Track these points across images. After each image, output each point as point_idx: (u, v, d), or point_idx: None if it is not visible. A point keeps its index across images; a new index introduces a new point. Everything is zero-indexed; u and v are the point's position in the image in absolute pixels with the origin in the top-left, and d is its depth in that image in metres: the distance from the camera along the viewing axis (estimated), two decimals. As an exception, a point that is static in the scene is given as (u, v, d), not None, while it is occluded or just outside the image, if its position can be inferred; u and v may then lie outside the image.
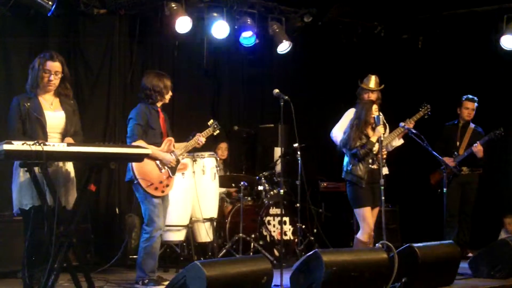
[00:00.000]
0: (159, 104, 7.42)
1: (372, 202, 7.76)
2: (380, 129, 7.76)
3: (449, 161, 9.45)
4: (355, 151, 7.73)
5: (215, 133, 8.12)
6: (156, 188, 7.16)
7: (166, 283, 7.11)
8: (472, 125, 9.74)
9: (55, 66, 6.29)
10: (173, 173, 7.36)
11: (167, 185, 7.28)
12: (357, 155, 7.71)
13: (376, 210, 7.85)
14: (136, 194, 7.31)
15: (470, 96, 9.74)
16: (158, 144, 7.25)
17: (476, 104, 9.71)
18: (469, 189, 9.67)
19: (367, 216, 7.69)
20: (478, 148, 9.39)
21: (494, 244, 8.11)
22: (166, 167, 7.28)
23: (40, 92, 6.31)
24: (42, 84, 6.28)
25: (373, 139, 7.73)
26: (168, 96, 7.47)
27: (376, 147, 7.73)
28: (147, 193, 7.12)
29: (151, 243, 7.13)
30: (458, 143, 9.67)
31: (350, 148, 7.76)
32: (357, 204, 7.76)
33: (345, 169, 7.90)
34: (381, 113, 8.86)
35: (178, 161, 7.46)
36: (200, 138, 7.77)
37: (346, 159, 7.93)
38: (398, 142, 8.69)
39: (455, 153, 9.59)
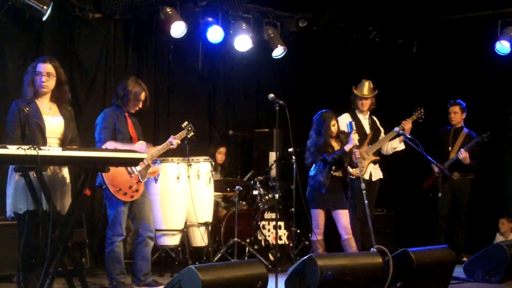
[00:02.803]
0: (124, 110, 7.41)
1: (329, 205, 8.00)
2: (354, 136, 7.85)
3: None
4: (324, 157, 7.85)
5: (189, 136, 8.03)
6: (125, 194, 7.18)
7: (162, 287, 7.17)
8: (465, 130, 9.72)
9: (46, 67, 6.30)
10: (143, 178, 7.37)
11: (137, 190, 7.28)
12: (326, 161, 7.85)
13: (342, 213, 8.00)
14: (104, 199, 7.37)
15: (453, 101, 9.74)
16: None
17: (459, 107, 9.65)
18: (461, 194, 9.63)
19: (319, 217, 8.00)
20: (463, 155, 9.33)
21: (489, 248, 8.10)
22: (136, 172, 7.29)
23: (37, 97, 6.31)
24: (35, 87, 6.28)
25: (347, 148, 7.86)
26: (131, 106, 7.39)
27: (354, 156, 7.86)
28: (116, 198, 7.14)
29: (113, 248, 7.21)
30: (450, 148, 9.65)
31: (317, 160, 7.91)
32: (312, 205, 8.08)
33: (309, 173, 8.13)
34: (374, 117, 8.93)
35: (148, 166, 7.48)
36: (173, 141, 7.75)
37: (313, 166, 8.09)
38: (399, 146, 8.72)
39: (447, 157, 9.56)
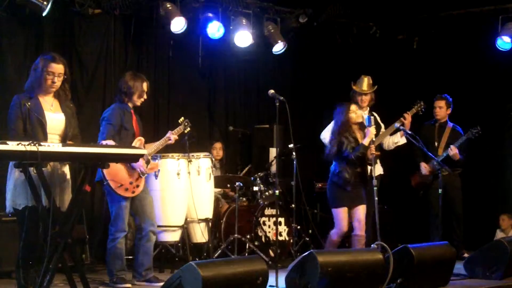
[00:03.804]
0: (130, 105, 7.44)
1: (352, 202, 7.84)
2: (372, 130, 7.78)
3: (424, 166, 9.44)
4: (346, 155, 7.73)
5: (186, 131, 8.04)
6: (126, 189, 7.19)
7: (161, 284, 7.17)
8: (450, 124, 9.63)
9: (58, 68, 6.29)
10: (143, 173, 7.38)
11: (137, 186, 7.29)
12: (348, 159, 7.72)
13: (362, 208, 7.89)
14: (106, 195, 7.39)
15: (439, 95, 9.68)
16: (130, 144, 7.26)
17: (445, 101, 9.57)
18: (452, 190, 9.50)
19: (343, 217, 7.80)
20: (453, 152, 9.26)
21: (490, 245, 8.10)
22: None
23: (40, 93, 6.30)
24: (45, 86, 6.28)
25: (366, 141, 7.74)
26: (137, 98, 7.41)
27: (369, 151, 7.76)
28: (117, 194, 7.16)
29: (115, 244, 7.23)
30: (436, 144, 9.59)
31: (341, 151, 7.76)
32: (335, 205, 7.88)
33: (332, 170, 7.97)
34: (374, 113, 8.91)
35: (148, 161, 7.49)
36: (171, 136, 7.77)
37: (334, 161, 7.94)
38: (401, 140, 8.68)
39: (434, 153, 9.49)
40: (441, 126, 9.65)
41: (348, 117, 7.87)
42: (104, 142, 7.12)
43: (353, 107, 7.94)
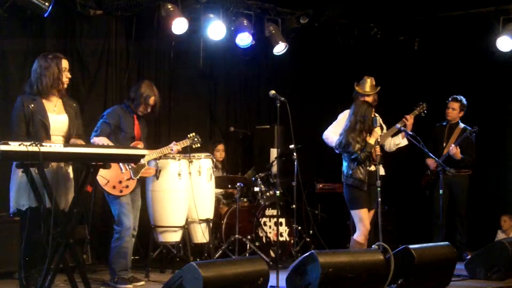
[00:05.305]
0: (134, 111, 7.48)
1: (369, 204, 7.74)
2: (377, 130, 7.76)
3: (431, 161, 9.45)
4: (355, 156, 7.69)
5: (194, 146, 8.15)
6: (113, 187, 7.24)
7: (141, 283, 7.31)
8: (461, 125, 9.66)
9: (67, 63, 6.39)
10: (135, 175, 7.39)
11: (127, 186, 7.32)
12: (358, 159, 7.68)
13: (372, 213, 7.85)
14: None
15: (454, 96, 9.71)
16: None
17: (459, 104, 9.62)
18: (458, 191, 9.55)
19: (364, 218, 7.66)
20: (454, 151, 9.32)
21: (491, 245, 8.11)
22: (128, 168, 7.30)
23: (45, 94, 6.30)
24: (59, 84, 6.30)
25: (371, 141, 7.71)
26: (142, 109, 7.47)
27: (374, 152, 7.73)
28: (104, 191, 7.22)
29: (121, 243, 7.25)
30: (444, 144, 9.62)
31: (350, 152, 7.72)
32: (355, 206, 7.72)
33: (345, 173, 7.82)
34: (377, 115, 8.90)
35: (143, 165, 7.51)
36: (174, 147, 7.85)
37: (344, 163, 7.86)
38: (402, 142, 8.67)
39: (441, 153, 9.50)
40: (452, 127, 9.68)
41: (370, 120, 7.80)
42: (96, 139, 7.16)
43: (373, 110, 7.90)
